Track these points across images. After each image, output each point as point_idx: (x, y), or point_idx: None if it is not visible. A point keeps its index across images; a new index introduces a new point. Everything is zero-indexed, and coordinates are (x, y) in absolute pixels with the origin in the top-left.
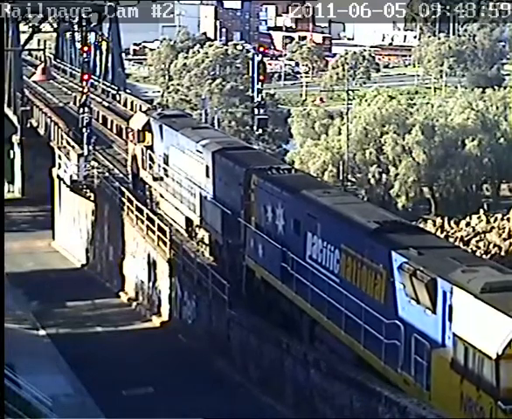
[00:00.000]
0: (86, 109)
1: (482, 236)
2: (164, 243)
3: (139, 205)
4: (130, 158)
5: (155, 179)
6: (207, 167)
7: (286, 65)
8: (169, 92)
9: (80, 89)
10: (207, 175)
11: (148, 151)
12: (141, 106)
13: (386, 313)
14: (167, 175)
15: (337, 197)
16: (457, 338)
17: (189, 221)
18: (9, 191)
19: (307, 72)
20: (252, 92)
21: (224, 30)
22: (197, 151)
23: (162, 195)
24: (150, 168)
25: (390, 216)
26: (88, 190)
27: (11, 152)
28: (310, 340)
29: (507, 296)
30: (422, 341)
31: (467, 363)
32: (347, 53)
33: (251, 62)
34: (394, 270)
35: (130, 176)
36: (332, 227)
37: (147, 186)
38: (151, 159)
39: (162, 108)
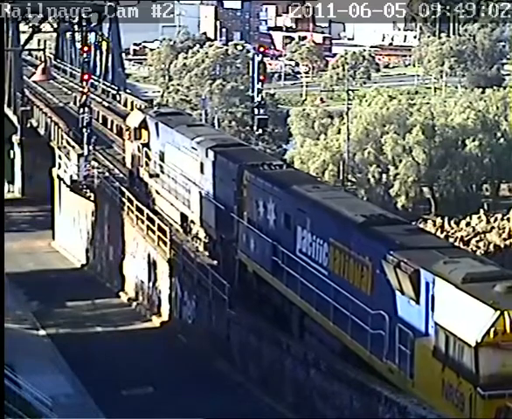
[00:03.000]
0: (86, 109)
1: (482, 236)
2: (164, 243)
3: (139, 205)
4: (130, 157)
5: (151, 176)
6: (202, 163)
7: (286, 65)
8: (169, 93)
9: (80, 89)
10: (202, 172)
11: (145, 148)
12: (140, 106)
13: (373, 304)
14: (163, 172)
15: (326, 192)
16: (439, 327)
17: (183, 216)
18: (9, 191)
19: (307, 72)
20: (252, 92)
21: (224, 30)
22: (192, 148)
23: (157, 192)
24: (147, 165)
25: (377, 209)
26: (88, 190)
27: (11, 152)
28: (300, 332)
29: (487, 286)
30: (406, 331)
31: (448, 351)
32: (347, 53)
33: (251, 62)
34: (379, 262)
35: (127, 174)
36: (321, 221)
37: (143, 183)
38: (147, 156)
39: (158, 107)
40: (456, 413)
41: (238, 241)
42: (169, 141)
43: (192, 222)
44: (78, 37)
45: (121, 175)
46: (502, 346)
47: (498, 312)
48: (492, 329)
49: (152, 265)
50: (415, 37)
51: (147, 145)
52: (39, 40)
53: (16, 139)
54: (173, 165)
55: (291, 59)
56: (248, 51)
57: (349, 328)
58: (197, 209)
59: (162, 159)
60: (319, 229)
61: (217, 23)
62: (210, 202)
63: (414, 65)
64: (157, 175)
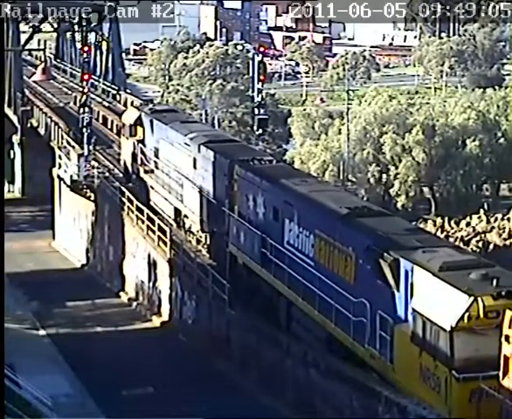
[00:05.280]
0: (87, 109)
1: (482, 236)
2: (164, 243)
3: (139, 205)
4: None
5: (146, 172)
6: (194, 159)
7: (286, 65)
8: (169, 93)
9: (80, 89)
10: (194, 167)
11: (140, 145)
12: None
13: (355, 293)
14: (157, 168)
15: (313, 185)
16: (416, 313)
17: (177, 211)
18: (9, 191)
19: (307, 72)
20: (253, 92)
21: (224, 30)
22: (185, 144)
23: (152, 187)
24: (141, 161)
25: (361, 202)
26: (88, 190)
27: (11, 152)
28: (287, 321)
29: (462, 274)
30: (386, 318)
31: (425, 336)
32: (347, 53)
33: (251, 62)
34: (362, 251)
35: (123, 170)
36: (307, 213)
37: (141, 180)
38: (143, 152)
39: (153, 104)
40: (433, 396)
41: (229, 234)
42: (163, 138)
43: (185, 216)
44: (78, 37)
45: (121, 175)
46: (476, 331)
47: (472, 298)
48: (466, 314)
49: (152, 265)
50: (415, 37)
51: (142, 141)
52: (39, 40)
53: (16, 139)
54: (167, 161)
55: (291, 59)
56: (248, 51)
57: (333, 316)
58: (190, 204)
59: (156, 155)
60: (305, 221)
61: (218, 23)
62: (202, 197)
63: (414, 65)
64: (152, 171)
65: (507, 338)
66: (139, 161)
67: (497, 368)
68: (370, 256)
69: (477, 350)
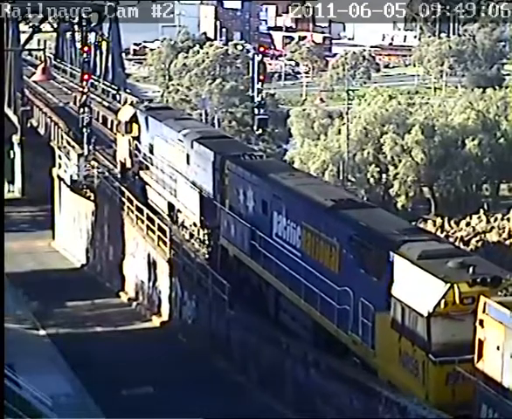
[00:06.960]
0: (86, 109)
1: (482, 236)
2: (164, 243)
3: (139, 205)
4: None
5: (141, 168)
6: (187, 154)
7: (286, 65)
8: (169, 92)
9: (80, 89)
10: (187, 163)
11: (135, 141)
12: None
13: (340, 281)
14: (152, 164)
15: (301, 179)
16: (396, 300)
17: (170, 206)
18: (9, 191)
19: (307, 72)
20: (252, 92)
21: (224, 30)
22: (179, 140)
23: (147, 183)
24: (136, 157)
25: (346, 194)
26: (88, 190)
27: (11, 152)
28: (275, 310)
29: (440, 262)
30: (368, 305)
31: (404, 322)
32: (347, 53)
33: (251, 62)
34: (346, 242)
35: (119, 166)
36: (294, 206)
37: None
38: (137, 149)
39: (149, 102)
40: (411, 379)
41: (220, 227)
42: (157, 134)
43: (179, 211)
44: (78, 37)
45: (118, 172)
46: (453, 317)
47: (448, 285)
48: (443, 301)
49: (152, 265)
50: (415, 37)
51: (137, 138)
52: (39, 40)
53: (16, 139)
54: (161, 157)
55: (291, 59)
56: (248, 51)
57: (318, 305)
58: (184, 199)
59: (151, 151)
60: (293, 213)
61: (217, 23)
62: (195, 191)
63: (414, 65)
64: (147, 167)
65: (481, 323)
66: (134, 158)
67: (472, 352)
68: (353, 246)
69: (453, 335)
